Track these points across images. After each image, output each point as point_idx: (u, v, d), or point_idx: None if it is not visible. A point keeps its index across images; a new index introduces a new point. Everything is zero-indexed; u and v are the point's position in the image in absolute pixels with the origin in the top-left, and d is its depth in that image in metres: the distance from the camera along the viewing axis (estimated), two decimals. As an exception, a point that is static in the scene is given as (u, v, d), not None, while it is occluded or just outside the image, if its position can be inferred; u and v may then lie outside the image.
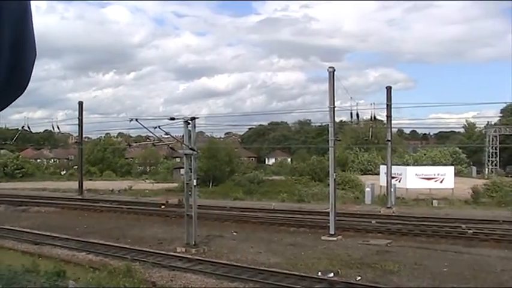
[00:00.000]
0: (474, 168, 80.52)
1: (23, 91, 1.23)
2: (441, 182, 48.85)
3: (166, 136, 32.13)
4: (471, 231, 31.64)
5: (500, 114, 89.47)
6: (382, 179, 47.76)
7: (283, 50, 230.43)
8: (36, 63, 1.23)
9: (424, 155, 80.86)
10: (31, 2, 1.15)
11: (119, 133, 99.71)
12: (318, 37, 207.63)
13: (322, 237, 31.47)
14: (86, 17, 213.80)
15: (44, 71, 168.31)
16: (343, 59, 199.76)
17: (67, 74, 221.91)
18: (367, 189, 48.83)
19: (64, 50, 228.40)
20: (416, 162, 69.27)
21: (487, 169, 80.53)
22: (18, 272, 21.20)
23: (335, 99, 34.13)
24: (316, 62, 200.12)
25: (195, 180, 29.03)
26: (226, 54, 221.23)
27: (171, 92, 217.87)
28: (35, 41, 1.19)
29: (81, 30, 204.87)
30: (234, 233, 33.71)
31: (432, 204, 45.96)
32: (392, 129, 47.85)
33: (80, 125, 58.61)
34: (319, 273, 22.98)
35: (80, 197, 56.45)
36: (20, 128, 58.46)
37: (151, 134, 32.33)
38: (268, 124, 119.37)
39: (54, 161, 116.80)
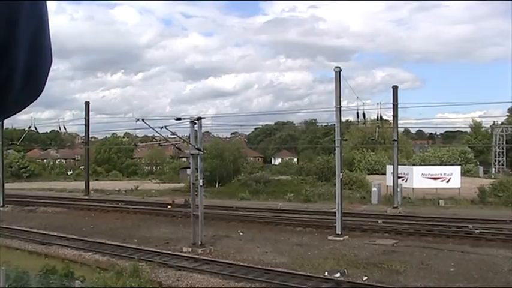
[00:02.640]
0: (481, 168, 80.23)
1: (37, 97, 1.23)
2: (448, 181, 48.69)
3: (172, 136, 32.19)
4: (478, 231, 31.56)
5: (507, 114, 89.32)
6: (389, 179, 47.62)
7: (290, 50, 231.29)
8: None
9: (432, 154, 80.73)
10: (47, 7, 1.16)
11: (126, 133, 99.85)
12: (325, 37, 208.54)
13: (329, 237, 31.46)
14: (94, 18, 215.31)
15: (52, 72, 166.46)
16: (350, 59, 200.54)
17: (75, 74, 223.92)
18: (374, 189, 48.74)
19: (72, 51, 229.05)
20: (424, 162, 69.05)
21: (493, 169, 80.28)
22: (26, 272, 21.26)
23: (341, 99, 34.16)
24: (323, 62, 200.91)
25: (201, 180, 29.05)
26: (233, 54, 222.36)
27: (178, 92, 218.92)
28: (51, 48, 1.20)
29: (89, 31, 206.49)
30: (241, 233, 33.73)
31: (439, 204, 45.88)
32: (399, 129, 47.75)
33: (87, 125, 58.69)
34: (326, 273, 22.99)
35: (86, 197, 56.53)
36: (26, 129, 58.53)
37: (157, 134, 32.41)
38: (275, 124, 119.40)
39: (60, 161, 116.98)
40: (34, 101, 1.23)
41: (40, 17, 1.11)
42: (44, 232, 34.46)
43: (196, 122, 28.75)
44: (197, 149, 28.73)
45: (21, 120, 56.01)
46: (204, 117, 29.98)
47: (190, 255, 27.06)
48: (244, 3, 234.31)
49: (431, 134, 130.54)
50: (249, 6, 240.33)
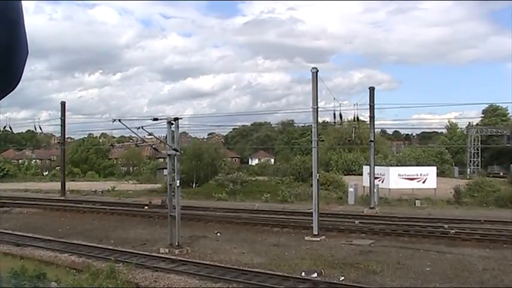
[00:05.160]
0: (456, 169, 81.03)
1: (13, 89, 1.23)
2: (424, 182, 48.99)
3: (149, 137, 31.98)
4: (453, 231, 31.80)
5: (482, 115, 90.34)
6: (365, 179, 47.84)
7: (268, 51, 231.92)
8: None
9: (408, 154, 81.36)
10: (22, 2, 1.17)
11: (102, 133, 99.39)
12: (303, 39, 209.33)
13: (306, 238, 31.48)
14: (73, 18, 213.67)
15: (29, 72, 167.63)
16: (328, 61, 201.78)
17: (52, 74, 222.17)
18: (350, 189, 48.94)
19: (50, 51, 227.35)
20: (400, 163, 69.51)
21: (468, 169, 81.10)
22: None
23: (319, 100, 34.20)
24: (302, 63, 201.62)
25: (178, 181, 28.93)
26: (212, 55, 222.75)
27: (156, 93, 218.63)
28: (27, 40, 1.20)
29: (68, 31, 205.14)
30: (218, 234, 33.64)
31: (415, 204, 46.20)
32: (376, 130, 48.02)
33: (63, 125, 58.19)
34: (303, 274, 22.99)
35: (62, 198, 56.06)
36: (1, 129, 57.88)
37: (134, 135, 32.17)
38: (252, 125, 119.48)
39: (36, 162, 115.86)
40: (11, 91, 1.23)
41: (16, 12, 1.11)
42: (19, 233, 34.03)
43: (173, 122, 28.61)
44: (174, 149, 28.61)
45: (-4, 120, 55.37)
46: (181, 118, 29.87)
47: (167, 256, 26.90)
48: (223, 4, 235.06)
49: (407, 134, 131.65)
50: (228, 7, 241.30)
